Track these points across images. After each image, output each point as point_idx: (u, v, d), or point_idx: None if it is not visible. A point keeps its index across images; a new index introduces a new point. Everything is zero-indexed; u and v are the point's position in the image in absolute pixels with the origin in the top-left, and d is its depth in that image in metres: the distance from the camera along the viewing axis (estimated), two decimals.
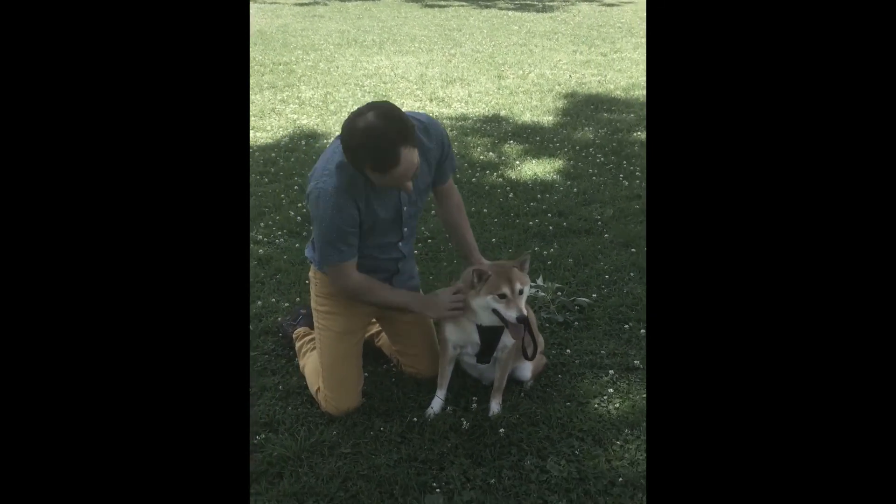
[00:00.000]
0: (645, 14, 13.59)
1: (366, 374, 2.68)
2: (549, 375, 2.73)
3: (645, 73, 8.14)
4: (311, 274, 2.59)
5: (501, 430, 2.40)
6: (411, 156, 2.07)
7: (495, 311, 2.30)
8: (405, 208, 2.37)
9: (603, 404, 2.55)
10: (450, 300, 2.39)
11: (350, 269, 2.35)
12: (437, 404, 2.55)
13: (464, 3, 15.69)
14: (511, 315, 2.27)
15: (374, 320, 2.81)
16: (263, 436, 2.38)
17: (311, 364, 2.64)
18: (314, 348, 2.67)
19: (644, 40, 10.52)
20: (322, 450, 2.34)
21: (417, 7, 15.07)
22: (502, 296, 2.27)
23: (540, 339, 2.71)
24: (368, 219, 2.29)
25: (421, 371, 2.70)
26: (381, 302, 2.48)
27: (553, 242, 3.82)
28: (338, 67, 8.74)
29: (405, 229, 2.43)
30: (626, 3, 15.61)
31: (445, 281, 3.41)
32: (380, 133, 2.01)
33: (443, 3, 15.86)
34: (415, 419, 2.47)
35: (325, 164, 2.24)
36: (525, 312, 2.28)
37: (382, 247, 2.43)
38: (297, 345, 2.81)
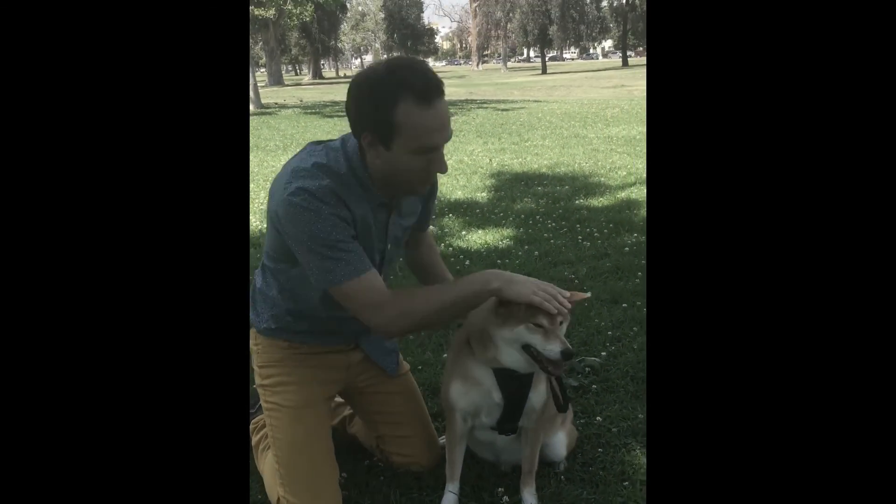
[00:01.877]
0: (539, 115, 14.01)
1: (344, 474, 1.95)
2: (584, 451, 2.08)
3: (562, 155, 8.04)
4: (251, 344, 1.89)
5: None
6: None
7: (526, 349, 1.65)
8: (389, 247, 1.76)
9: None
10: (540, 283, 1.61)
11: (378, 280, 1.60)
12: (450, 502, 1.83)
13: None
14: (553, 349, 1.60)
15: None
16: None
17: (269, 463, 1.88)
18: (267, 446, 1.92)
19: (550, 132, 10.64)
20: None
21: (317, 118, 14.94)
22: (538, 325, 1.62)
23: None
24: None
25: (416, 459, 1.98)
26: (446, 304, 1.62)
27: None
28: None
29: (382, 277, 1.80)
30: (518, 108, 16.17)
31: (437, 352, 2.75)
32: (410, 60, 1.49)
33: (341, 113, 15.83)
34: None
35: (296, 169, 1.56)
36: (570, 346, 1.64)
37: None
38: (255, 439, 2.03)
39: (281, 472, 1.77)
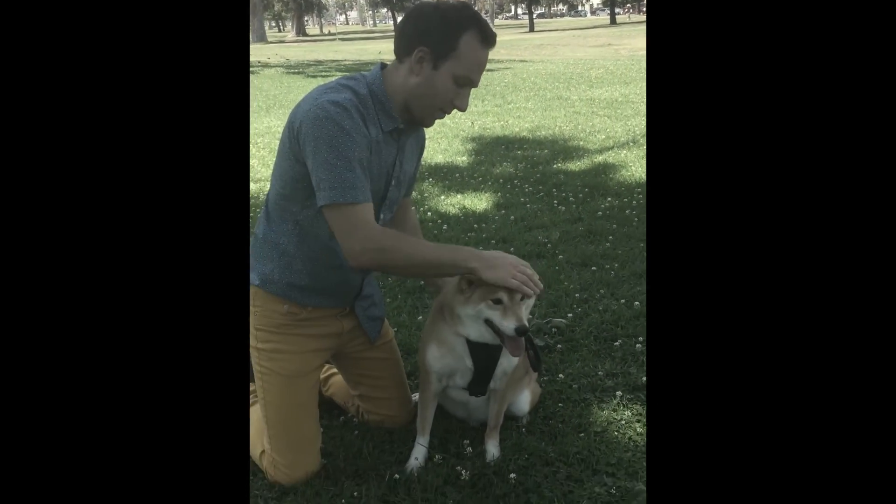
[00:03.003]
0: (524, 76, 13.97)
1: (320, 429, 2.09)
2: (546, 406, 2.23)
3: (544, 118, 8.11)
4: (250, 304, 1.96)
5: (512, 475, 1.87)
6: None
7: (488, 322, 1.78)
8: (393, 183, 1.84)
9: (623, 431, 2.08)
10: (517, 264, 1.75)
11: (370, 212, 1.67)
12: (420, 454, 1.98)
13: (346, 73, 15.60)
14: (509, 326, 1.72)
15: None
16: None
17: (252, 422, 2.01)
18: (255, 401, 2.05)
19: (533, 94, 10.67)
20: None
21: (300, 77, 14.80)
22: (497, 301, 1.74)
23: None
24: (370, 166, 1.72)
25: (391, 417, 2.13)
26: (420, 259, 1.73)
27: None
28: None
29: (381, 217, 1.85)
30: (503, 68, 16.09)
31: (412, 314, 2.88)
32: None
33: (325, 73, 15.70)
34: (396, 476, 1.89)
35: (322, 87, 1.73)
36: (526, 323, 1.77)
37: None
38: None
39: (269, 433, 1.89)
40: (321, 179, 1.63)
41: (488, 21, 1.80)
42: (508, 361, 1.92)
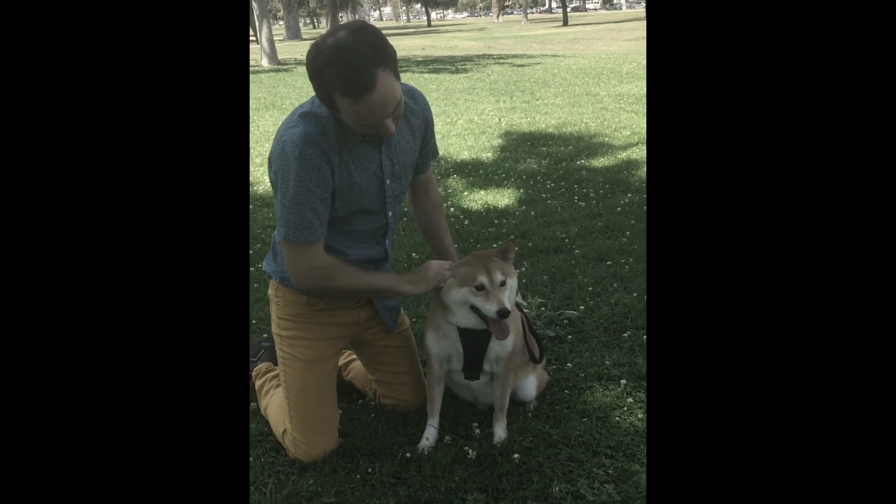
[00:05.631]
0: (555, 71, 13.98)
1: (339, 411, 2.23)
2: (553, 392, 2.35)
3: (571, 114, 8.16)
4: (270, 292, 2.12)
5: (516, 455, 1.99)
6: (391, 83, 1.65)
7: (474, 308, 1.93)
8: (388, 182, 1.94)
9: (625, 416, 2.19)
10: (437, 267, 1.99)
11: (319, 248, 1.85)
12: (430, 434, 2.11)
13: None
14: (490, 309, 1.87)
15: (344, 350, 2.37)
16: None
17: (275, 403, 2.16)
18: (279, 385, 2.20)
19: (562, 90, 10.70)
20: (299, 501, 1.86)
21: None
22: (480, 287, 1.89)
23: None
24: (343, 184, 1.83)
25: (405, 402, 2.26)
26: (357, 288, 1.96)
27: (523, 262, 3.50)
28: (258, 127, 8.38)
29: (389, 214, 2.00)
30: (534, 63, 16.12)
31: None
32: (352, 49, 1.59)
33: None
34: (408, 455, 2.02)
35: (287, 120, 1.81)
36: (507, 305, 1.89)
37: (361, 238, 1.98)
38: (258, 384, 2.32)
39: (291, 414, 2.04)
40: (278, 215, 1.82)
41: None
42: (501, 347, 2.04)
